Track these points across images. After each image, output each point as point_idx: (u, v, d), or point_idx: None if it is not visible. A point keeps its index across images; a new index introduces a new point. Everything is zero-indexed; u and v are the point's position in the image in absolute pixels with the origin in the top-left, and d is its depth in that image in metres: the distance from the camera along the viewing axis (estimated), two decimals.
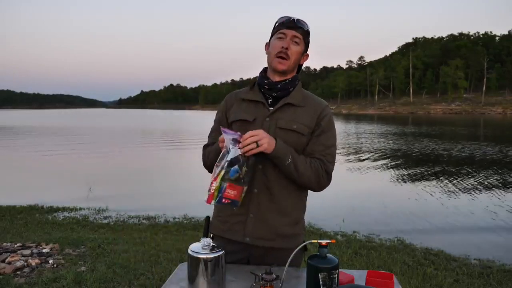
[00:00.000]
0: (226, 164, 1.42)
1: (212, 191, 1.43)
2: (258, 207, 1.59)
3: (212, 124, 1.79)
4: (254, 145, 1.43)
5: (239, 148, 1.44)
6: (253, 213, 1.60)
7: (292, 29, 1.60)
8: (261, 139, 1.44)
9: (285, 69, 1.61)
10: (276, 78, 1.65)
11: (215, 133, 1.73)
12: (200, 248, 1.39)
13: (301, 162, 1.56)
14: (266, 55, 1.68)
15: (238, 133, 1.46)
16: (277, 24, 1.64)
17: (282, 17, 1.63)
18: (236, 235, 1.62)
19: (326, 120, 1.64)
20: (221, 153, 1.45)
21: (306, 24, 1.64)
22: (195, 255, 1.37)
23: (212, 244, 1.41)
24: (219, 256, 1.38)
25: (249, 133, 1.44)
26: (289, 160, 1.52)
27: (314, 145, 1.61)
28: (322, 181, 1.60)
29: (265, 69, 1.71)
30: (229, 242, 1.61)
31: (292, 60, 1.61)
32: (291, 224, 1.64)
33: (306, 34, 1.63)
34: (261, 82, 1.67)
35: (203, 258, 1.36)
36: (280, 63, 1.60)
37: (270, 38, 1.67)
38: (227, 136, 1.45)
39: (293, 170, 1.54)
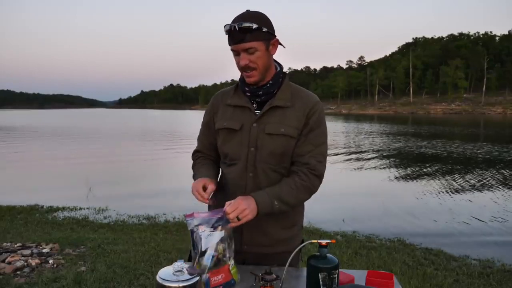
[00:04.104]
0: (198, 257, 1.29)
1: None
2: None
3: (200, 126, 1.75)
4: (236, 220, 1.36)
5: (219, 226, 1.34)
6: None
7: (239, 43, 1.43)
8: (243, 215, 1.37)
9: (257, 80, 1.51)
10: (256, 85, 1.55)
11: (203, 137, 1.74)
12: (170, 274, 1.16)
13: (289, 195, 1.48)
14: None
15: (218, 214, 1.36)
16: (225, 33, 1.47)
17: (225, 26, 1.44)
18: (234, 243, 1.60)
19: (315, 117, 1.54)
20: (192, 241, 1.31)
21: (252, 21, 1.41)
22: (164, 283, 1.14)
23: (186, 268, 1.20)
24: (193, 284, 1.17)
25: (229, 209, 1.36)
26: (276, 205, 1.46)
27: (302, 145, 1.54)
28: (314, 190, 1.56)
29: None
30: None
31: (260, 66, 1.48)
32: (287, 227, 1.62)
33: (257, 33, 1.42)
34: (243, 88, 1.59)
35: (173, 287, 1.14)
36: (249, 77, 1.50)
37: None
38: (197, 221, 1.32)
39: (284, 208, 1.49)
